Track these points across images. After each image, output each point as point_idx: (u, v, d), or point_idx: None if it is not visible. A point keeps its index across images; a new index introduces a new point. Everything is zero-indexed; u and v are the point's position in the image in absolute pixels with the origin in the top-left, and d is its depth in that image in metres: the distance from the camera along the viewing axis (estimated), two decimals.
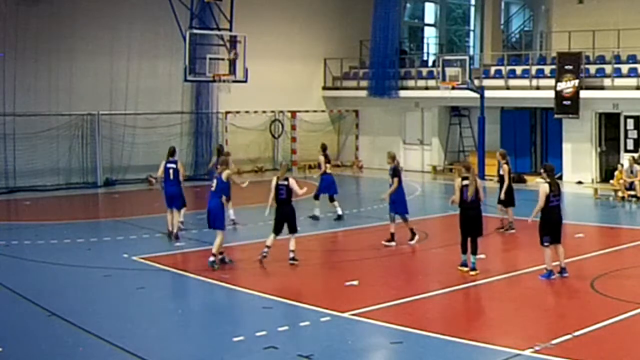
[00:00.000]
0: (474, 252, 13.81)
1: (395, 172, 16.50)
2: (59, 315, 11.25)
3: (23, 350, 9.84)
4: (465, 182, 13.87)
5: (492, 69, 29.91)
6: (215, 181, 14.68)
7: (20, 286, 12.97)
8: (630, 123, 26.17)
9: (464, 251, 13.94)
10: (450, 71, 27.74)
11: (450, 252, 16.30)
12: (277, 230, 14.60)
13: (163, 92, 28.71)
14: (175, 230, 17.12)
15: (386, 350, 10.14)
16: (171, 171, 17.20)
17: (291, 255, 14.62)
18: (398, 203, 16.45)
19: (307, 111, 32.89)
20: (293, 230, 14.63)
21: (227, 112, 30.10)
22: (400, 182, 16.37)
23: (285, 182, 14.45)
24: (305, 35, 32.71)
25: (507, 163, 17.78)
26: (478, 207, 13.94)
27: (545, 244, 13.26)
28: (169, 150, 17.62)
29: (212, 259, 14.29)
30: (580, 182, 26.89)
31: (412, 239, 16.58)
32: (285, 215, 14.54)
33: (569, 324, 10.58)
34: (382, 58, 31.14)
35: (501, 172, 17.88)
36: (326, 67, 33.79)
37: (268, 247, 14.60)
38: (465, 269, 13.80)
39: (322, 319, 11.05)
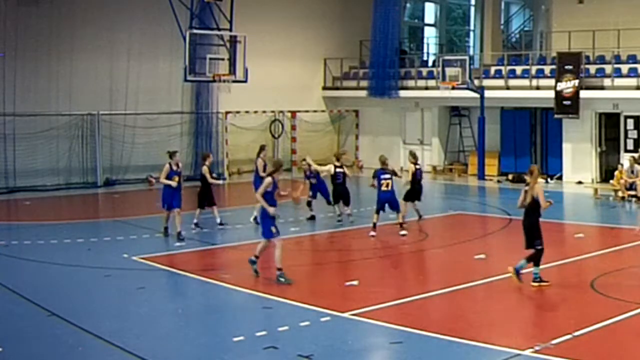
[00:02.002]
0: (535, 263, 12.79)
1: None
2: (58, 315, 11.24)
3: (23, 350, 9.84)
4: (527, 187, 13.26)
5: (492, 69, 29.90)
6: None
7: (20, 286, 12.97)
8: (630, 123, 26.17)
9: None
10: (450, 71, 27.72)
11: (450, 252, 16.33)
12: (336, 201, 19.16)
13: (163, 92, 28.68)
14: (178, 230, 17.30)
15: (386, 350, 10.13)
16: None
17: (339, 218, 19.04)
18: None
19: (307, 111, 32.90)
20: (347, 203, 19.10)
21: (227, 112, 30.07)
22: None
23: (342, 170, 19.00)
24: (305, 35, 32.69)
25: (414, 164, 18.75)
26: (530, 215, 12.99)
27: None
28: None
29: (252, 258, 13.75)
30: (580, 182, 26.88)
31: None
32: (340, 193, 19.12)
33: (569, 324, 10.57)
34: (382, 58, 31.12)
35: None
36: (326, 67, 33.79)
37: (339, 214, 19.10)
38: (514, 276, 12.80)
39: (322, 319, 11.04)
